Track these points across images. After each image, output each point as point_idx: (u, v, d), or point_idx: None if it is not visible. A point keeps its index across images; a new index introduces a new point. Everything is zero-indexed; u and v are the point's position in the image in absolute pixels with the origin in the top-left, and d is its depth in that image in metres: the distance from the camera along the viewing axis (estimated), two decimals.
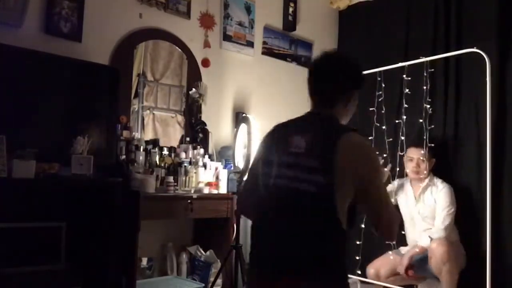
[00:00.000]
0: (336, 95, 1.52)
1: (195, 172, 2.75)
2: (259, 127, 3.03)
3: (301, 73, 3.83)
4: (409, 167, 3.04)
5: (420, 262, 2.92)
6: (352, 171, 1.38)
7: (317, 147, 1.42)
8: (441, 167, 3.09)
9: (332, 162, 1.36)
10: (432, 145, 2.85)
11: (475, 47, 2.72)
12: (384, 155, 3.03)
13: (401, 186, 3.10)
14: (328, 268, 1.39)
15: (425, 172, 2.94)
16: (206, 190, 2.73)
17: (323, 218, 1.38)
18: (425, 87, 2.93)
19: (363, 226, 3.00)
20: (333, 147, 1.37)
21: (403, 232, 3.08)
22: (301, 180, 1.40)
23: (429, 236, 2.79)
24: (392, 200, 3.00)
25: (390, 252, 2.98)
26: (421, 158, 2.93)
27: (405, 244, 3.06)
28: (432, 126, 2.96)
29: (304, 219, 1.39)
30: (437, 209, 2.88)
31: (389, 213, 1.45)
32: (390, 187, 2.99)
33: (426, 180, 2.95)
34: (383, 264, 2.98)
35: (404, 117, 3.05)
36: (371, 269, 3.01)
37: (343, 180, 1.36)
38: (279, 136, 1.55)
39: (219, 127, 3.30)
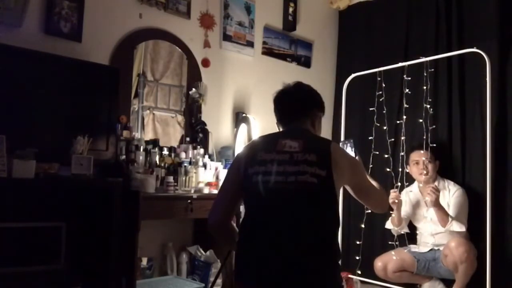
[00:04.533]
0: (304, 115, 1.70)
1: (195, 172, 2.74)
2: (259, 127, 3.04)
3: (301, 73, 3.84)
4: (415, 171, 3.04)
5: (431, 262, 2.93)
6: (345, 172, 1.55)
7: (313, 146, 1.54)
8: (446, 169, 3.10)
9: (329, 158, 1.49)
10: (434, 145, 2.84)
11: (475, 47, 2.73)
12: (386, 156, 3.04)
13: (409, 193, 3.10)
14: (330, 261, 1.47)
15: (431, 173, 2.95)
16: (206, 190, 2.73)
17: (326, 207, 1.49)
18: (425, 87, 2.93)
19: (363, 226, 3.01)
20: (328, 147, 1.54)
21: (417, 232, 3.09)
22: (301, 173, 1.46)
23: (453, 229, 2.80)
24: (403, 213, 3.01)
25: (392, 252, 2.98)
26: (427, 159, 2.93)
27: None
28: (434, 126, 2.96)
29: (308, 209, 1.45)
30: (452, 211, 2.87)
31: (379, 192, 1.73)
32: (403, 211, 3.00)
33: (435, 184, 2.94)
34: (391, 258, 2.97)
35: (405, 117, 3.05)
36: (379, 262, 3.01)
37: (337, 176, 1.49)
38: (265, 141, 1.65)
39: (219, 127, 3.30)
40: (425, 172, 2.95)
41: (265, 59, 3.66)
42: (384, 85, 3.07)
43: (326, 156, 1.50)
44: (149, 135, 2.94)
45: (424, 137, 2.85)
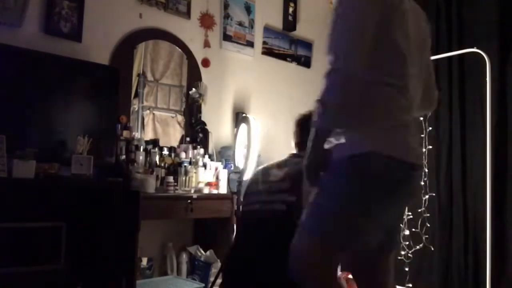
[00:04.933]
0: None
1: (195, 172, 2.75)
2: (259, 127, 3.03)
3: (301, 73, 3.84)
4: None
5: None
6: None
7: (292, 174, 1.58)
8: (447, 168, 3.09)
9: (301, 184, 1.47)
10: (430, 147, 2.84)
11: (475, 47, 2.73)
12: None
13: None
14: None
15: None
16: (206, 190, 2.73)
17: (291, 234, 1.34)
18: None
19: None
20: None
21: None
22: (273, 201, 1.56)
23: None
24: None
25: None
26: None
27: None
28: (430, 128, 2.96)
29: (272, 236, 1.49)
30: None
31: None
32: None
33: None
34: None
35: None
36: None
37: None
38: (262, 172, 1.79)
39: (219, 127, 3.30)
40: None
41: (265, 59, 3.66)
42: None
43: (300, 181, 1.47)
44: (149, 135, 2.94)
45: (423, 136, 2.85)
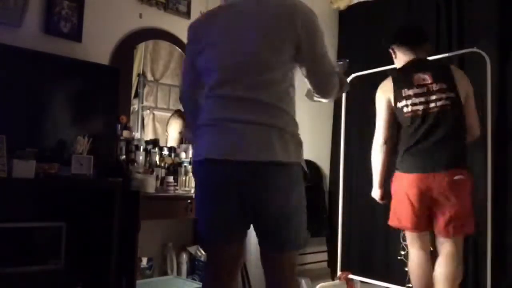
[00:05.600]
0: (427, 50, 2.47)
1: None
2: None
3: (300, 72, 3.83)
4: None
5: None
6: (465, 89, 2.30)
7: (440, 75, 2.26)
8: None
9: (454, 82, 2.27)
10: None
11: (475, 47, 2.73)
12: None
13: None
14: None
15: None
16: None
17: (460, 124, 2.29)
18: None
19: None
20: (450, 73, 2.31)
21: None
22: (437, 99, 2.22)
23: None
24: None
25: None
26: None
27: None
28: None
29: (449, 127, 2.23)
30: None
31: None
32: None
33: None
34: None
35: None
36: None
37: (462, 95, 2.26)
38: (402, 77, 2.38)
39: None
40: None
41: None
42: None
43: (452, 80, 2.30)
44: (149, 135, 2.95)
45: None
